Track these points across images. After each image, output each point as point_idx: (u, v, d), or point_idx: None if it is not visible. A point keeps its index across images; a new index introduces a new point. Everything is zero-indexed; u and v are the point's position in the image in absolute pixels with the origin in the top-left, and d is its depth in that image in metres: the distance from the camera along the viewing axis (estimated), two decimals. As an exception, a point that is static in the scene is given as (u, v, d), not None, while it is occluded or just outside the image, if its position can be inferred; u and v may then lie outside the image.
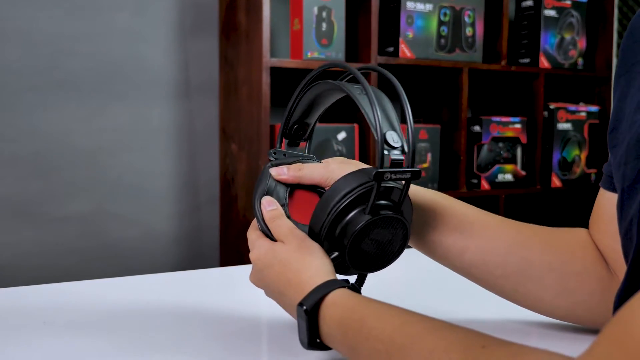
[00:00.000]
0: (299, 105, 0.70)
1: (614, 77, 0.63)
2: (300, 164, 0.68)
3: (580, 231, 0.72)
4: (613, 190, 0.64)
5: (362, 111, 0.60)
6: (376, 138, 0.58)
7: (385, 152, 0.57)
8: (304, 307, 0.56)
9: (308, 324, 0.56)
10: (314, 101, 0.71)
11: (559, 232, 0.72)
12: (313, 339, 0.56)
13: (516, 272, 0.68)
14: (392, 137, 0.58)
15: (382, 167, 0.57)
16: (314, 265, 0.59)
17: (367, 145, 2.10)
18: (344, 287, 0.57)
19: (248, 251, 0.67)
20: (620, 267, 0.66)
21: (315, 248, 0.61)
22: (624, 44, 0.61)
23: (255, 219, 0.67)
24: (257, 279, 0.65)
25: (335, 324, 0.54)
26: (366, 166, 0.66)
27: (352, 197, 0.60)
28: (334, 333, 0.55)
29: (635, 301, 0.36)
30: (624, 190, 0.54)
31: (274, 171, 0.67)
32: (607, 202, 0.66)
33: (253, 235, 0.66)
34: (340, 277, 0.62)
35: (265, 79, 1.92)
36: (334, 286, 0.57)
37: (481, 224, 0.69)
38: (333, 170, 0.66)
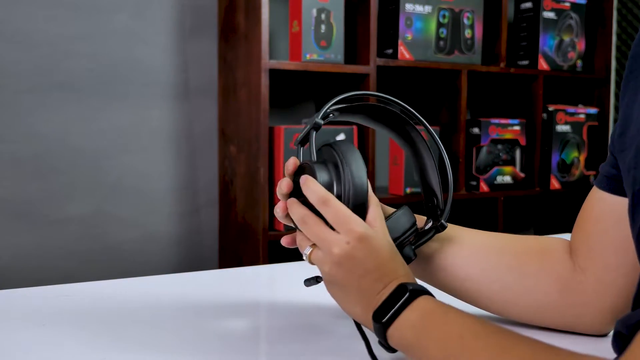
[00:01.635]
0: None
1: (622, 82, 0.63)
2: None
3: (550, 238, 0.74)
4: (608, 190, 0.65)
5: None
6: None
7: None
8: (383, 321, 0.56)
9: (380, 332, 0.56)
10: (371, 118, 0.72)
11: (526, 238, 0.75)
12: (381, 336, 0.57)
13: (478, 274, 0.70)
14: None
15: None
16: (398, 263, 0.59)
17: (365, 148, 2.10)
18: (422, 293, 0.57)
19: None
20: (592, 264, 0.67)
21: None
22: (633, 50, 0.62)
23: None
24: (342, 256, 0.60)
25: (409, 329, 0.55)
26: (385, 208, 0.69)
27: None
28: (410, 316, 0.55)
29: None
30: (634, 194, 0.55)
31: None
32: (597, 201, 0.67)
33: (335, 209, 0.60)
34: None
35: (264, 80, 1.92)
36: (416, 294, 0.56)
37: (458, 240, 0.72)
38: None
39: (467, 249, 0.71)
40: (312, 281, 0.67)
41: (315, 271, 0.66)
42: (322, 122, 0.61)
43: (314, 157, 0.63)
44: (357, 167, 0.60)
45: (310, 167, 0.62)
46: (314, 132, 0.62)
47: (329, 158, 0.63)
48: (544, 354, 0.45)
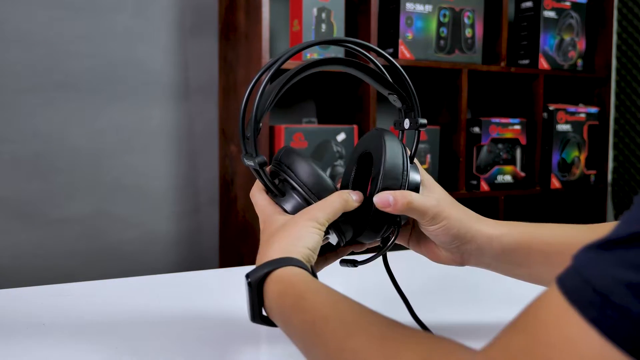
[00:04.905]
0: None
1: None
2: (406, 192, 0.64)
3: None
4: None
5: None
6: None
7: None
8: (249, 280, 0.57)
9: (251, 297, 0.57)
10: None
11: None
12: (257, 312, 0.58)
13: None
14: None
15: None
16: (293, 237, 0.60)
17: (366, 147, 2.10)
18: (296, 265, 0.57)
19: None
20: None
21: (314, 225, 0.61)
22: None
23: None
24: (262, 220, 0.68)
25: (275, 297, 0.56)
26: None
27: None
28: (274, 307, 0.56)
29: (540, 298, 0.37)
30: None
31: (379, 201, 0.63)
32: None
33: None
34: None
35: (265, 80, 1.91)
36: (284, 263, 0.57)
37: (569, 250, 0.69)
38: (440, 200, 0.66)
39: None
40: (348, 263, 0.70)
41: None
42: (264, 159, 0.63)
43: (278, 191, 0.66)
44: (305, 176, 0.64)
45: (276, 201, 0.67)
46: (263, 172, 0.63)
47: (282, 180, 0.66)
48: (394, 333, 0.45)
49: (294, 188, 0.64)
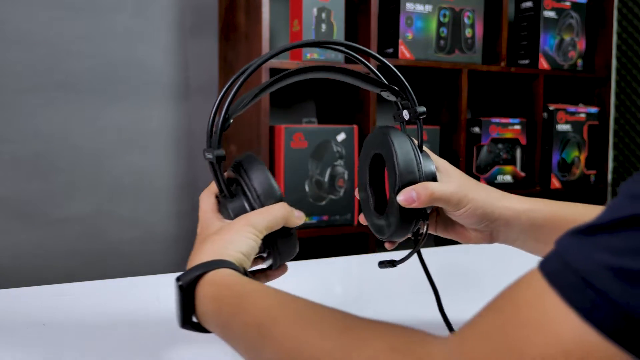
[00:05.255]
0: None
1: None
2: (426, 183, 0.63)
3: None
4: None
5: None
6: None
7: None
8: (180, 283, 0.54)
9: (181, 300, 0.54)
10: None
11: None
12: (187, 316, 0.55)
13: None
14: None
15: None
16: (226, 240, 0.58)
17: (366, 147, 2.10)
18: (229, 267, 0.55)
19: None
20: None
21: (250, 230, 0.59)
22: None
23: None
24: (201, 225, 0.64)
25: (209, 300, 0.53)
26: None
27: None
28: (208, 311, 0.53)
29: (519, 281, 0.37)
30: None
31: (404, 200, 0.62)
32: None
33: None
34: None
35: (265, 80, 1.92)
36: (216, 266, 0.55)
37: None
38: (461, 184, 0.65)
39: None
40: (386, 264, 0.70)
41: (391, 255, 0.71)
42: (222, 153, 0.63)
43: (225, 190, 0.64)
44: (256, 181, 0.63)
45: (222, 202, 0.65)
46: (218, 166, 0.63)
47: (236, 182, 0.65)
48: (356, 324, 0.43)
49: (243, 192, 0.63)
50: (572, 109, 2.54)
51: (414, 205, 0.62)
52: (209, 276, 0.54)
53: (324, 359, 0.42)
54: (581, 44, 2.58)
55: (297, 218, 0.62)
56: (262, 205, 0.61)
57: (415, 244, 0.67)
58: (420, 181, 0.64)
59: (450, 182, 0.65)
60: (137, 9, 2.05)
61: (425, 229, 0.66)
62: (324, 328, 0.44)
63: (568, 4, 2.52)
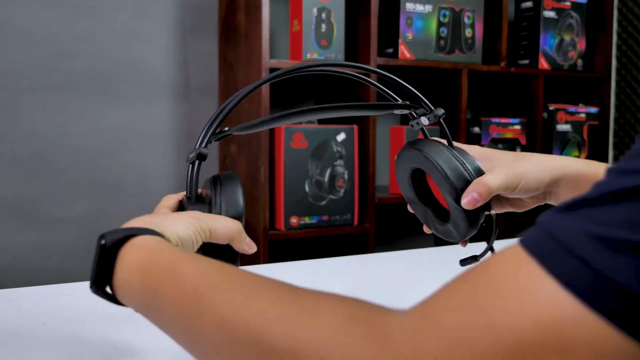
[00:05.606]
0: None
1: None
2: (479, 180, 0.66)
3: None
4: None
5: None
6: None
7: None
8: (103, 242, 0.49)
9: (99, 259, 0.49)
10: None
11: None
12: (103, 280, 0.50)
13: None
14: None
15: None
16: (166, 220, 0.55)
17: (366, 147, 2.10)
18: (162, 237, 0.51)
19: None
20: None
21: (193, 222, 0.56)
22: None
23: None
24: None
25: (136, 265, 0.48)
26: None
27: None
28: (131, 276, 0.48)
29: (503, 248, 0.35)
30: None
31: (468, 204, 0.65)
32: None
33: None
34: None
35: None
36: (149, 232, 0.51)
37: None
38: (506, 165, 0.67)
39: None
40: (469, 260, 0.72)
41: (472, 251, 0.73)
42: (206, 151, 0.62)
43: (192, 192, 0.63)
44: (225, 196, 0.62)
45: (185, 204, 0.64)
46: (196, 164, 0.63)
47: (207, 193, 0.64)
48: (307, 293, 0.39)
49: (209, 201, 0.62)
50: (572, 109, 2.54)
51: (479, 205, 0.65)
52: (138, 239, 0.50)
53: (270, 327, 0.37)
54: (581, 44, 2.58)
55: (247, 244, 0.60)
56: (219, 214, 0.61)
57: (488, 235, 0.70)
58: (472, 180, 0.66)
59: (496, 168, 0.67)
60: (137, 9, 2.05)
61: (494, 218, 0.69)
62: (271, 295, 0.40)
63: (568, 4, 2.52)
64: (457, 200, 0.66)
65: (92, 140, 2.02)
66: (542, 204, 0.71)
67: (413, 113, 0.71)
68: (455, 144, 0.70)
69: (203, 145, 0.63)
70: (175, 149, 2.15)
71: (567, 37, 2.53)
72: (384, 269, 1.07)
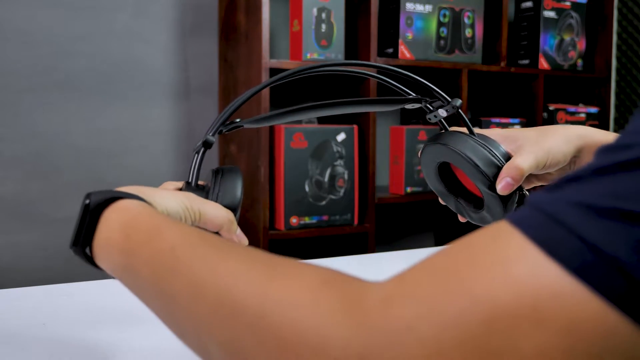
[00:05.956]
0: None
1: None
2: (510, 164, 0.67)
3: None
4: None
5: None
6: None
7: None
8: (87, 201, 0.49)
9: (82, 218, 0.49)
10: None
11: None
12: (84, 239, 0.50)
13: None
14: None
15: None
16: (155, 192, 0.55)
17: (366, 147, 2.10)
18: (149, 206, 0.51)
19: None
20: None
21: (184, 202, 0.56)
22: None
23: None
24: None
25: (117, 226, 0.48)
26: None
27: None
28: (112, 237, 0.48)
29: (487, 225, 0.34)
30: None
31: (503, 189, 0.66)
32: None
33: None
34: None
35: (265, 80, 1.92)
36: (135, 198, 0.51)
37: None
38: (532, 143, 0.69)
39: None
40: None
41: None
42: (213, 140, 0.63)
43: (193, 178, 0.64)
44: (225, 187, 0.63)
45: (184, 189, 0.64)
46: (201, 152, 0.63)
47: (208, 184, 0.65)
48: (283, 260, 0.39)
49: (207, 189, 0.63)
50: (572, 109, 2.54)
51: (514, 188, 0.67)
52: (123, 202, 0.49)
53: (241, 286, 0.37)
54: (581, 44, 2.58)
55: (237, 236, 0.60)
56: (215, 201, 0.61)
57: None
58: (502, 165, 0.67)
59: (523, 148, 0.69)
60: (137, 9, 2.05)
61: (527, 195, 0.70)
62: (246, 258, 0.39)
63: (568, 4, 2.52)
64: (492, 187, 0.67)
65: (92, 140, 2.02)
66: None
67: (428, 106, 0.71)
68: (478, 131, 0.71)
69: (211, 134, 0.63)
70: (175, 149, 2.15)
71: (567, 37, 2.53)
72: (384, 269, 1.07)
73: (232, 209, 0.61)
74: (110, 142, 2.05)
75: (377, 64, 0.70)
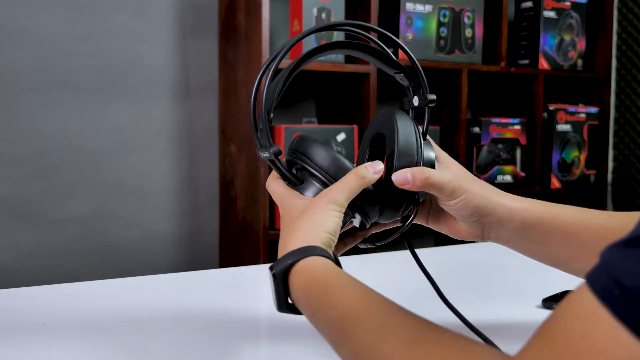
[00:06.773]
0: None
1: None
2: (423, 168, 0.64)
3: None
4: None
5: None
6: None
7: None
8: (273, 272, 0.56)
9: (276, 287, 0.57)
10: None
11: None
12: (282, 302, 0.57)
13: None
14: None
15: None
16: (313, 222, 0.59)
17: (366, 147, 2.10)
18: (320, 255, 0.56)
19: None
20: None
21: (333, 208, 0.60)
22: None
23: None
24: (282, 206, 0.64)
25: (300, 288, 0.55)
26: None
27: None
28: (300, 297, 0.55)
29: (568, 299, 0.36)
30: None
31: (398, 179, 0.63)
32: None
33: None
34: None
35: (265, 79, 1.92)
36: (308, 253, 0.56)
37: (587, 232, 0.66)
38: (457, 175, 0.65)
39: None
40: (367, 243, 0.71)
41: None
42: (279, 148, 0.62)
43: (292, 179, 0.64)
44: (321, 160, 0.63)
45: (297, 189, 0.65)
46: (279, 161, 0.63)
47: (300, 168, 0.64)
48: (425, 336, 0.44)
49: (311, 174, 0.63)
50: (572, 109, 2.54)
51: (407, 187, 0.62)
52: (299, 265, 0.56)
53: None
54: (581, 44, 2.58)
55: (374, 174, 0.62)
56: (336, 180, 0.61)
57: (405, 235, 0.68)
58: (417, 165, 0.64)
59: (447, 171, 0.65)
60: (137, 9, 2.05)
61: (414, 213, 0.67)
62: (397, 337, 0.45)
63: (568, 4, 2.52)
64: (391, 173, 0.63)
65: (92, 140, 2.02)
66: (478, 240, 0.69)
67: (410, 89, 0.70)
68: (429, 139, 0.68)
69: (264, 136, 0.62)
70: (175, 149, 2.15)
71: (567, 37, 2.53)
72: (384, 269, 1.07)
73: (341, 170, 0.62)
74: (110, 142, 2.05)
75: (384, 30, 0.70)
